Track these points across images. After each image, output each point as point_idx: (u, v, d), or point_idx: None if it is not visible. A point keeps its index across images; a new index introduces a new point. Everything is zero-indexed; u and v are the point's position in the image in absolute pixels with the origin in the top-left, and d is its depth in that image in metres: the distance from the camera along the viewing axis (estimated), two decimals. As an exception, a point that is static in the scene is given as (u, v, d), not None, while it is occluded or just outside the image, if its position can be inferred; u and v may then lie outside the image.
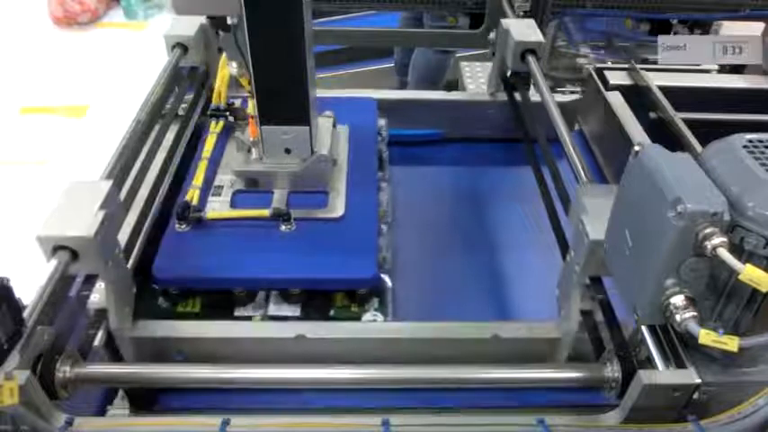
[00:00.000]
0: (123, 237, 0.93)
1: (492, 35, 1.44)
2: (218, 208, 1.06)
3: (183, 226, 1.02)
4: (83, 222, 0.75)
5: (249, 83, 1.02)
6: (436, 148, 1.54)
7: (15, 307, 0.65)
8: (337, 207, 1.07)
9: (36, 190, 1.28)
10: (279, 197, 1.09)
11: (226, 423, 0.69)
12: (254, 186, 1.11)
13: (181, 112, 1.23)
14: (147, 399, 0.91)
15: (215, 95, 1.21)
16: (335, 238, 1.02)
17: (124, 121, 1.03)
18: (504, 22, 1.38)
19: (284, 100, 1.02)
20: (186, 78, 1.26)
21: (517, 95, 1.37)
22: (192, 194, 1.07)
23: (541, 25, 1.55)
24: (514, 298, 1.15)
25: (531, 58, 1.28)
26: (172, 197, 1.08)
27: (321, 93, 1.11)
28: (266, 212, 1.03)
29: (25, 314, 0.68)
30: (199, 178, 1.11)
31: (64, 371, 0.73)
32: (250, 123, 1.08)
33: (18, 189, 1.30)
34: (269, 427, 0.72)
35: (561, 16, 1.67)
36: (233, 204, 1.07)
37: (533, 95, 1.31)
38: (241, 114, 1.20)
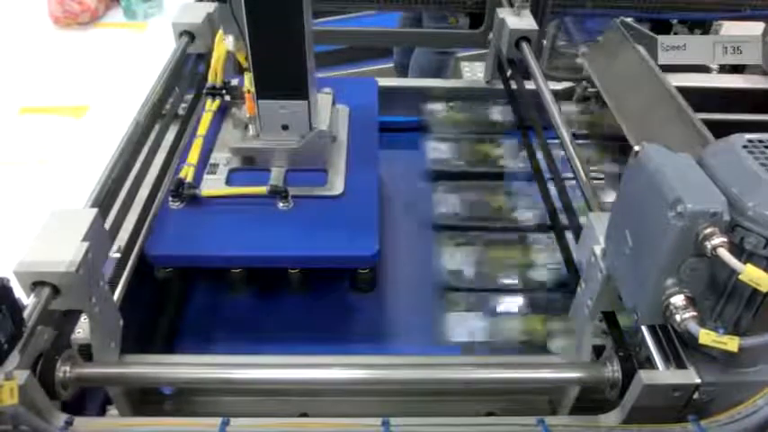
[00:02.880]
0: (123, 237, 0.93)
1: (492, 35, 1.46)
2: (213, 186, 1.04)
3: (177, 203, 1.00)
4: (64, 256, 0.70)
5: (246, 57, 0.99)
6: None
7: (15, 307, 0.65)
8: (337, 185, 1.05)
9: (36, 190, 1.28)
10: (276, 175, 1.07)
11: (225, 423, 0.69)
12: (250, 164, 1.09)
13: (181, 112, 1.23)
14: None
15: (211, 73, 1.19)
16: (335, 215, 1.00)
17: (124, 121, 1.03)
18: (499, 10, 1.41)
19: (282, 72, 1.00)
20: (187, 78, 1.26)
21: (513, 84, 1.39)
22: (186, 172, 1.04)
23: (541, 25, 1.56)
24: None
25: (525, 46, 1.29)
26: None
27: (321, 75, 1.09)
28: (263, 189, 1.01)
29: (25, 314, 0.67)
30: (193, 156, 1.07)
31: (64, 371, 0.73)
32: (247, 98, 1.05)
33: (18, 189, 1.29)
34: (269, 428, 0.72)
35: (561, 16, 1.67)
36: (229, 182, 1.06)
37: (529, 84, 1.32)
38: (238, 93, 1.18)
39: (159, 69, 1.19)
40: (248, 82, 1.03)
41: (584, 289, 0.81)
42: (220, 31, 1.17)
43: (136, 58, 1.77)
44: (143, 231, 0.97)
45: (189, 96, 1.26)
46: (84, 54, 1.81)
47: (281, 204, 1.01)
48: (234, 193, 1.02)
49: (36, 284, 0.70)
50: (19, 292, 0.68)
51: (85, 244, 0.73)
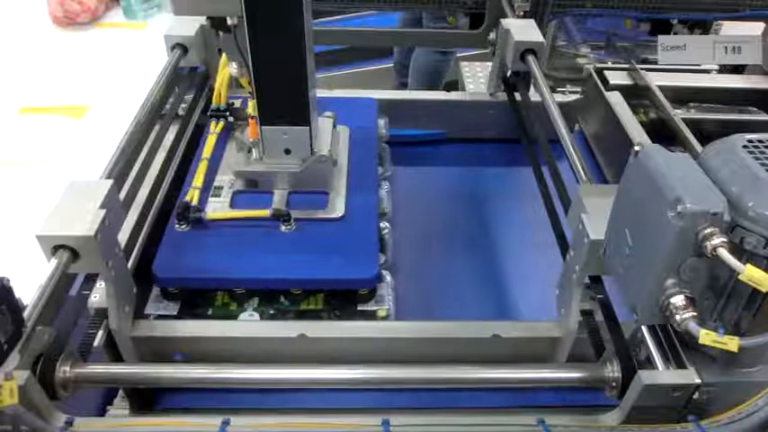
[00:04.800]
0: (123, 237, 0.93)
1: (492, 35, 1.45)
2: (217, 209, 1.06)
3: (183, 226, 1.02)
4: (83, 221, 0.75)
5: (249, 83, 1.02)
6: (438, 148, 1.54)
7: (15, 307, 0.65)
8: (337, 207, 1.07)
9: (36, 190, 1.28)
10: (279, 198, 1.09)
11: (226, 423, 0.69)
12: (253, 187, 1.11)
13: (181, 112, 1.23)
14: (147, 399, 0.91)
15: (215, 96, 1.21)
16: (336, 238, 1.02)
17: (124, 121, 1.03)
18: (504, 22, 1.38)
19: (284, 100, 1.02)
20: (186, 78, 1.26)
21: (517, 95, 1.37)
22: (192, 195, 1.07)
23: (541, 25, 1.55)
24: (515, 298, 1.14)
25: (530, 58, 1.29)
26: (172, 197, 1.08)
27: (321, 93, 1.10)
28: (266, 213, 1.03)
29: (25, 314, 0.68)
30: (198, 179, 1.10)
31: (64, 371, 0.73)
32: (250, 124, 1.08)
33: (18, 189, 1.30)
34: (269, 428, 0.72)
35: (561, 16, 1.67)
36: (233, 205, 1.07)
37: (533, 95, 1.31)
38: (241, 115, 1.20)
39: (159, 69, 1.19)
40: (252, 108, 1.05)
41: (572, 256, 0.84)
42: (224, 56, 1.20)
43: (136, 59, 1.77)
44: (143, 232, 0.98)
45: (189, 97, 1.26)
46: (84, 54, 1.82)
47: (283, 227, 1.03)
48: (237, 216, 1.04)
49: (57, 248, 0.74)
50: (19, 293, 0.68)
51: (102, 211, 0.77)
